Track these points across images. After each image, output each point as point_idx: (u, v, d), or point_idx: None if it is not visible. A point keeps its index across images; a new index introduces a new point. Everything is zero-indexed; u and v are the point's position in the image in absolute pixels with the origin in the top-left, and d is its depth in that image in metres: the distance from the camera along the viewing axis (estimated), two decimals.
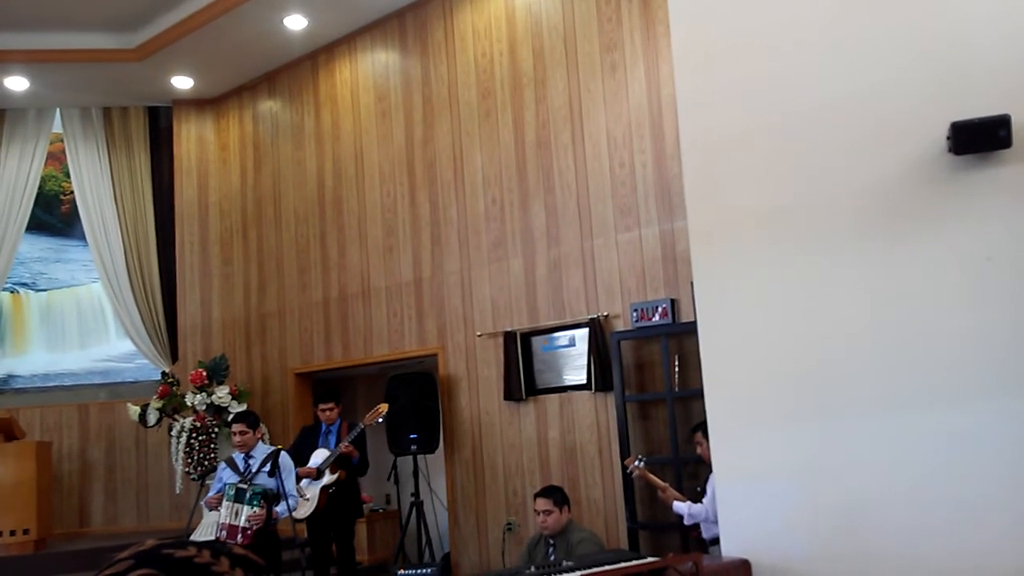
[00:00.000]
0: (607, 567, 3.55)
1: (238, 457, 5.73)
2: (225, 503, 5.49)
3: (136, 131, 9.37)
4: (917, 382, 3.49)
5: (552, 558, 4.65)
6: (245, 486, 5.48)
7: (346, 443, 6.25)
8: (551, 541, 4.85)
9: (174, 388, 8.16)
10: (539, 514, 4.85)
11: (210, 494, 5.75)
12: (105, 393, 9.29)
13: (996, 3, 3.50)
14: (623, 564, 3.60)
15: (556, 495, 4.89)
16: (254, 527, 5.35)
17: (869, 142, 3.64)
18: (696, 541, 5.04)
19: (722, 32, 4.03)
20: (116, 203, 9.12)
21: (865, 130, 3.65)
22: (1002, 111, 3.35)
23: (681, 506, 4.96)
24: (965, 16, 3.55)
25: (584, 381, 6.36)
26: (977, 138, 3.41)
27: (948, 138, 3.46)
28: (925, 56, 3.57)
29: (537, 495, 4.97)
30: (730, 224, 3.96)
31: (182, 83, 8.88)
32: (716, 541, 4.34)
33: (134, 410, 8.17)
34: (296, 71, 8.68)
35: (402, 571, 5.36)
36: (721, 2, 4.07)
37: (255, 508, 5.39)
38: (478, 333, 7.03)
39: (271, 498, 5.46)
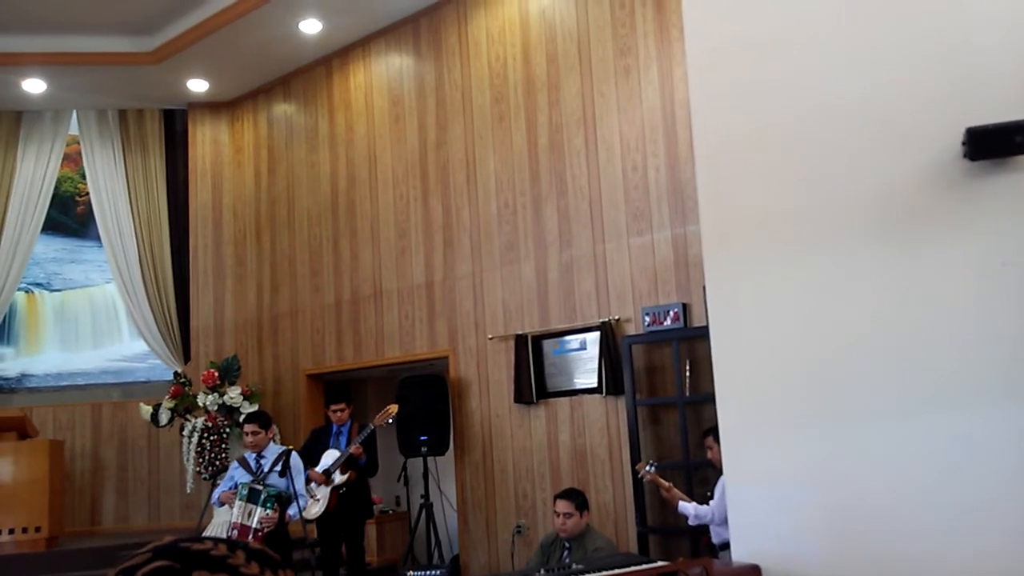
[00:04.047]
0: (617, 570, 3.55)
1: (250, 457, 5.75)
2: (237, 502, 5.51)
3: (151, 133, 9.43)
4: (930, 387, 3.47)
5: (567, 560, 4.65)
6: (259, 487, 5.50)
7: (356, 444, 6.26)
8: (567, 544, 4.84)
9: (186, 388, 8.20)
10: (559, 516, 4.84)
11: (220, 490, 5.77)
12: (118, 393, 9.35)
13: (1015, 7, 3.49)
14: (633, 568, 3.59)
15: (578, 499, 4.89)
16: (266, 529, 5.37)
17: (884, 146, 3.63)
18: (706, 546, 5.03)
19: (736, 35, 4.03)
20: (131, 205, 9.19)
21: (881, 134, 3.64)
22: (1019, 117, 3.34)
23: (687, 507, 4.95)
24: (982, 19, 3.54)
25: (595, 385, 6.35)
26: (993, 144, 3.39)
27: (964, 143, 3.44)
28: (941, 60, 3.56)
29: (558, 496, 4.97)
30: (743, 228, 3.95)
31: (198, 86, 8.94)
32: (726, 546, 4.33)
33: (146, 410, 8.21)
34: (311, 75, 8.72)
35: (411, 572, 5.36)
36: (735, 5, 4.07)
37: (268, 511, 5.41)
38: (489, 336, 7.04)
39: (285, 501, 5.48)
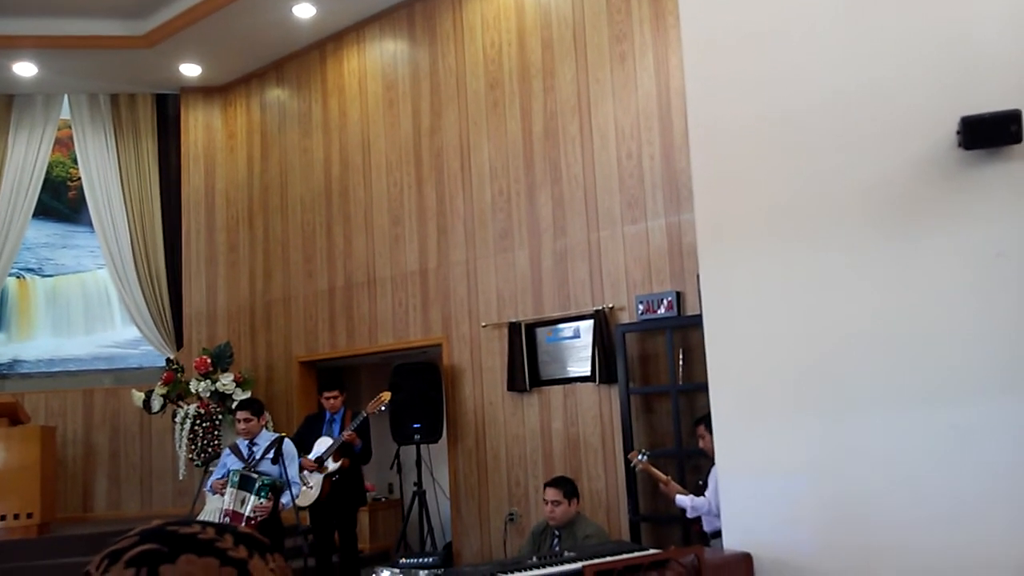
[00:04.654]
0: (609, 558, 3.55)
1: (242, 444, 5.75)
2: (229, 489, 5.50)
3: (144, 118, 9.37)
4: (923, 378, 3.48)
5: (557, 548, 4.66)
6: (252, 474, 5.49)
7: (349, 431, 6.26)
8: (557, 532, 4.86)
9: (179, 375, 8.18)
10: (548, 504, 4.86)
11: (212, 478, 5.76)
12: (110, 379, 9.32)
13: None
14: (625, 555, 3.60)
15: (566, 487, 4.90)
16: (259, 518, 5.36)
17: (879, 136, 3.63)
18: (698, 534, 5.05)
19: (732, 23, 4.01)
20: (123, 190, 9.14)
21: (875, 123, 3.64)
22: (1013, 106, 3.34)
23: (684, 499, 4.97)
24: (977, 10, 3.53)
25: (588, 373, 6.36)
26: (988, 133, 3.39)
27: (958, 133, 3.44)
28: (937, 49, 3.55)
29: (547, 485, 4.99)
30: (737, 217, 3.95)
31: (190, 70, 8.88)
32: (718, 534, 4.34)
33: (138, 396, 8.19)
34: (304, 60, 8.67)
35: (404, 559, 5.36)
36: None
37: (263, 500, 5.39)
38: (483, 324, 7.03)
39: (279, 490, 5.47)
